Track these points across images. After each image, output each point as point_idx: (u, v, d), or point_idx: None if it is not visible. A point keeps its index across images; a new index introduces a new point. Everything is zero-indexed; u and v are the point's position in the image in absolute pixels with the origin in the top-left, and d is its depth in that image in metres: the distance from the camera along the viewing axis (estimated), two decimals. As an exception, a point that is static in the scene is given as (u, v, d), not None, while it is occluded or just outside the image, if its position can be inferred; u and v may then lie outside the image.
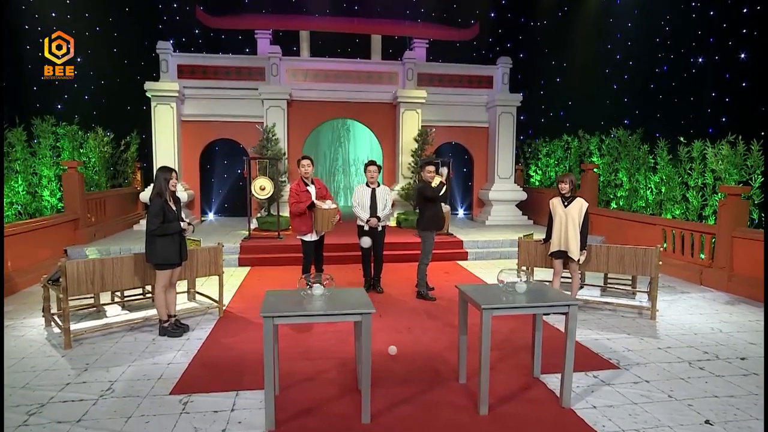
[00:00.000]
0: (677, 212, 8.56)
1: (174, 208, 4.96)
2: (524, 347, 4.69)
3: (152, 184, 5.08)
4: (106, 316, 5.68)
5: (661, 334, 5.13)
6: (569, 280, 6.07)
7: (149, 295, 6.26)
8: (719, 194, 7.73)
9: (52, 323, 5.30)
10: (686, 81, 12.93)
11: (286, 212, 11.06)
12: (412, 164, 11.56)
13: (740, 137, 7.45)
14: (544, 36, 15.02)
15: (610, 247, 5.84)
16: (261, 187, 9.33)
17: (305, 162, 6.21)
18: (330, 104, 11.98)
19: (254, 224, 10.15)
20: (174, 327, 5.08)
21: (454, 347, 4.74)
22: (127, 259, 5.03)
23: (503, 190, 12.25)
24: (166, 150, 11.05)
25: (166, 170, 4.91)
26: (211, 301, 6.15)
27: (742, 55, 11.85)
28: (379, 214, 6.65)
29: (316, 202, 6.08)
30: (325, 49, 13.41)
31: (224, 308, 5.84)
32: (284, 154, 10.93)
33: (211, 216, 13.38)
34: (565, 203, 5.71)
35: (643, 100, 13.59)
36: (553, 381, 4.00)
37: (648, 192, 9.30)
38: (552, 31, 14.85)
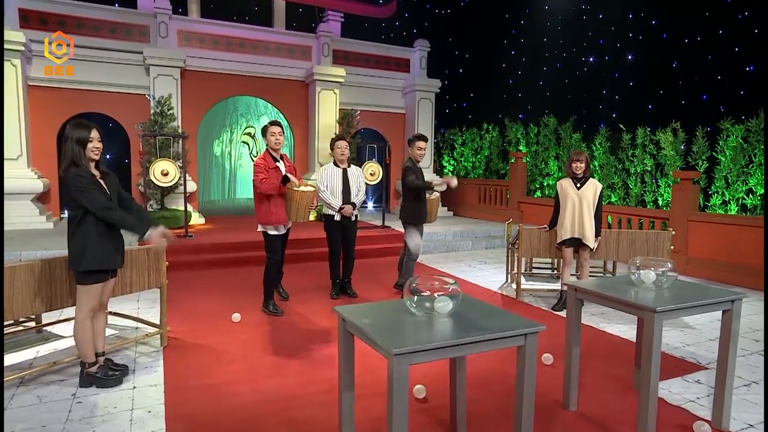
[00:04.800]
0: (614, 199, 8.70)
1: (104, 185, 3.17)
2: (586, 352, 3.92)
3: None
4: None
5: (691, 323, 4.78)
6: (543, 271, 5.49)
7: (29, 324, 4.20)
8: (662, 180, 7.95)
9: None
10: (578, 78, 13.69)
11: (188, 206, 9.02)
12: (334, 150, 10.27)
13: (679, 124, 7.69)
14: (448, 25, 14.78)
15: (620, 232, 5.39)
16: (163, 171, 7.28)
17: (275, 129, 4.69)
18: (232, 78, 10.10)
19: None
20: (107, 371, 3.28)
21: (511, 360, 3.76)
22: (21, 269, 3.09)
23: (424, 180, 11.57)
24: (5, 124, 8.20)
25: (79, 128, 3.06)
26: (138, 324, 4.34)
27: (629, 57, 12.88)
28: (354, 200, 5.40)
29: (291, 178, 4.62)
30: (218, 14, 11.38)
31: (166, 333, 4.07)
32: (183, 132, 8.83)
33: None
34: (578, 185, 5.11)
35: (536, 95, 14.09)
36: (666, 393, 3.27)
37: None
38: (456, 21, 14.68)
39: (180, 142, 8.51)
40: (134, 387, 3.24)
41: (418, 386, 3.17)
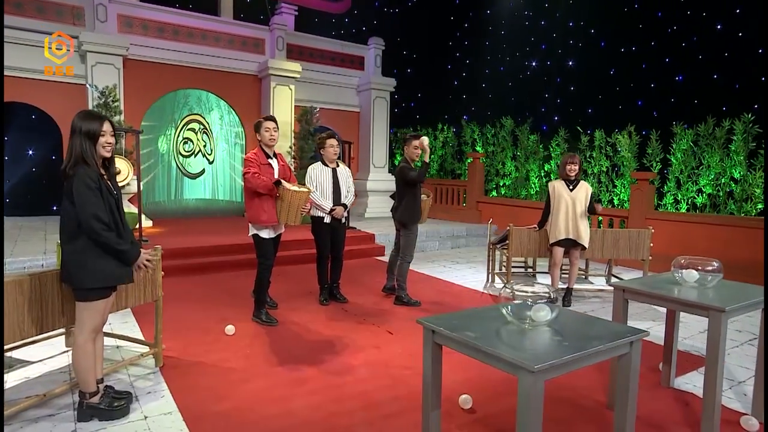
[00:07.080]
0: (570, 199, 9.06)
1: (113, 188, 2.74)
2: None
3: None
4: None
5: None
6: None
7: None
8: (618, 180, 8.38)
9: None
10: (520, 81, 14.19)
11: (132, 208, 8.23)
12: (291, 149, 9.88)
13: (633, 128, 8.14)
14: (397, 24, 14.74)
15: (605, 231, 5.58)
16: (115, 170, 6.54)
17: (270, 125, 4.36)
18: (179, 69, 9.40)
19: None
20: (111, 401, 2.82)
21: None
22: (9, 286, 2.57)
23: (380, 180, 11.46)
24: None
25: (88, 119, 2.64)
26: (119, 342, 3.83)
27: (570, 63, 13.54)
28: (344, 201, 5.14)
29: (285, 184, 4.30)
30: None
31: (161, 352, 3.61)
32: (130, 127, 8.03)
33: (-17, 216, 9.21)
34: (571, 187, 5.23)
35: (480, 97, 14.45)
36: (693, 388, 3.37)
37: (537, 179, 9.67)
38: (404, 21, 14.69)
39: (125, 137, 7.79)
40: (145, 417, 2.81)
41: (463, 396, 3.02)
